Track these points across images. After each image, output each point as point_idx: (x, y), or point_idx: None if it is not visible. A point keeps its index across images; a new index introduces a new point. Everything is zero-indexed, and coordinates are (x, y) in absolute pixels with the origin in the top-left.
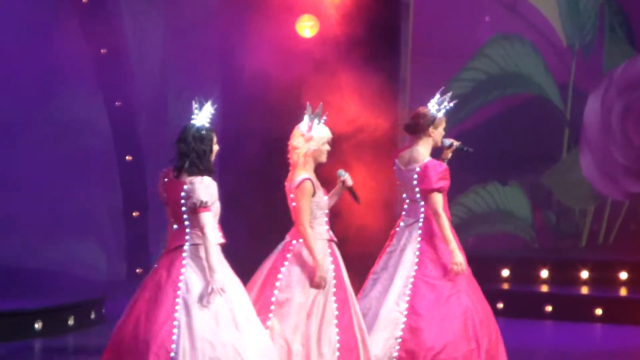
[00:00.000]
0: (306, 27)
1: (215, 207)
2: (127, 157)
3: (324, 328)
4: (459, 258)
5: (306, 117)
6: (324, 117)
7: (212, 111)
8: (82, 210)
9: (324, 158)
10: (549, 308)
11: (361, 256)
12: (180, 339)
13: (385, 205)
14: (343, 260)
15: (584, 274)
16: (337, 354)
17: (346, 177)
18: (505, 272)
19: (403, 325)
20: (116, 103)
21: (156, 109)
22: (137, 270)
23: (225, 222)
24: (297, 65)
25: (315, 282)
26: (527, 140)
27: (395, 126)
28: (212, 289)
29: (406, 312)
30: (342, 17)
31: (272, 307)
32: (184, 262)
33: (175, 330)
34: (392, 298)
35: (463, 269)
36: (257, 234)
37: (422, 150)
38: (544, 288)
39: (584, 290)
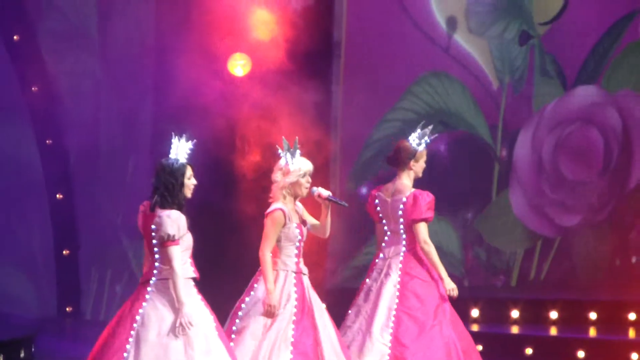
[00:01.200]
0: (238, 66)
1: (186, 240)
2: (57, 195)
3: (274, 352)
4: (450, 284)
5: (282, 152)
6: (298, 150)
7: (190, 146)
8: (14, 248)
9: (303, 191)
10: (479, 347)
11: None
12: None
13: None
14: None
15: (515, 313)
16: None
17: (318, 191)
18: None
19: (388, 358)
20: (47, 141)
21: (87, 146)
22: (67, 309)
23: None
24: (232, 98)
25: (265, 310)
26: (458, 177)
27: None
28: (180, 323)
29: (390, 344)
30: (273, 54)
31: (232, 336)
32: (147, 296)
33: None
34: (376, 330)
35: (456, 293)
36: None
37: (406, 182)
38: (474, 327)
39: (515, 329)
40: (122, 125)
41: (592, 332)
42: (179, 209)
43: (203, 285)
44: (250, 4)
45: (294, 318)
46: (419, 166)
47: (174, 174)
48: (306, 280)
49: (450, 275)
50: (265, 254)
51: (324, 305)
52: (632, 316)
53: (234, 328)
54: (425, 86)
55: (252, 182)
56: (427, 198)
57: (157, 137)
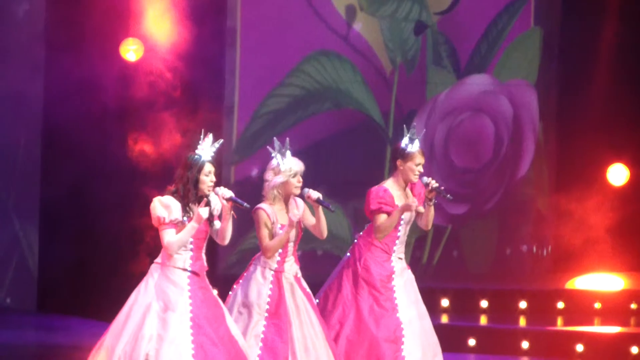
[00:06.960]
0: (131, 50)
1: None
2: None
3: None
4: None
5: (274, 152)
6: (289, 151)
7: (217, 146)
8: None
9: (295, 191)
10: None
11: None
12: None
13: None
14: None
15: None
16: None
17: (308, 192)
18: None
19: None
20: None
21: None
22: None
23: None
24: (123, 82)
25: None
26: (350, 160)
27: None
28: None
29: None
30: (167, 39)
31: None
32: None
33: None
34: None
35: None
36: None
37: (389, 181)
38: None
39: None
40: (11, 103)
41: (483, 320)
42: (187, 202)
43: None
44: None
45: (266, 315)
46: (407, 167)
47: (191, 169)
48: (288, 279)
49: (338, 258)
50: (267, 245)
51: (309, 304)
52: (522, 304)
53: None
54: (314, 64)
55: (148, 165)
56: (379, 193)
57: (48, 116)
